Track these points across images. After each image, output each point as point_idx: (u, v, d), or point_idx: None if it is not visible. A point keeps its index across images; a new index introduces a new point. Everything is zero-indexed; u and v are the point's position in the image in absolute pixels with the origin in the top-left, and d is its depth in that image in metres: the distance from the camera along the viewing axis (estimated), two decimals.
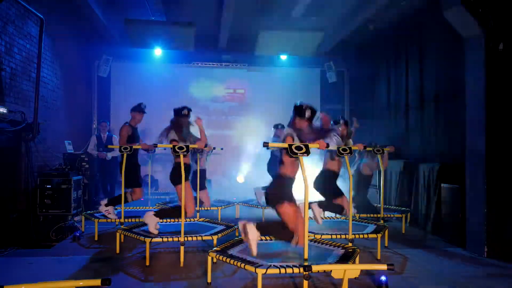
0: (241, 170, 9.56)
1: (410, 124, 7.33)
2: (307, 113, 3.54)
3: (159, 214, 4.59)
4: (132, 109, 5.57)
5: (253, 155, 9.72)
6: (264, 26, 7.65)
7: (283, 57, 9.61)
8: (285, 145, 3.21)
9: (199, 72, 9.80)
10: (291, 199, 3.53)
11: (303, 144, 3.14)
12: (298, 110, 3.57)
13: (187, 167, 4.77)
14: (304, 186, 3.09)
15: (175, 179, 4.55)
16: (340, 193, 5.08)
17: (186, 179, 4.70)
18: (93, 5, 6.74)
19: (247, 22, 7.89)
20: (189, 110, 4.75)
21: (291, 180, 3.60)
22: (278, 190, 3.53)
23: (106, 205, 5.46)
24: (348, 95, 10.23)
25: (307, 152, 3.11)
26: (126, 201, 5.42)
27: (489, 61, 4.64)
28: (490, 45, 4.62)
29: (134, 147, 5.16)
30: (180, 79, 9.70)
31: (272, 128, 6.97)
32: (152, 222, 4.48)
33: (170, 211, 4.79)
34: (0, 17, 5.28)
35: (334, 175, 5.11)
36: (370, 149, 5.29)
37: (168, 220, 5.29)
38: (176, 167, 4.51)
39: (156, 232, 4.46)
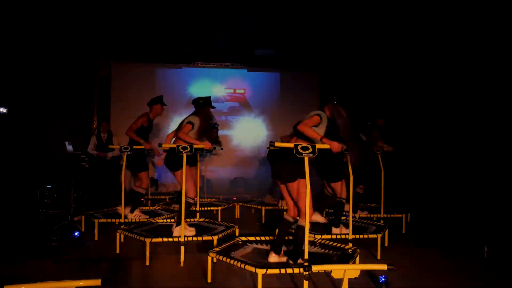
0: (240, 169, 9.55)
1: (410, 124, 7.33)
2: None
3: (179, 221, 4.57)
4: (153, 101, 5.59)
5: (253, 154, 9.73)
6: (264, 26, 7.65)
7: (283, 57, 9.60)
8: (291, 145, 3.21)
9: (199, 72, 9.79)
10: (304, 176, 3.48)
11: (310, 144, 3.13)
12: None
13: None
14: (306, 187, 3.08)
15: (172, 165, 4.63)
16: None
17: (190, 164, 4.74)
18: (93, 5, 6.74)
19: (247, 22, 7.88)
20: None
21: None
22: (294, 168, 3.49)
23: (132, 212, 5.54)
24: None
25: (313, 153, 3.11)
26: (142, 196, 5.68)
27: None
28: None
29: (135, 147, 5.16)
30: (180, 79, 9.69)
31: None
32: (184, 230, 4.49)
33: (181, 211, 4.67)
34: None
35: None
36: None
37: (170, 220, 5.28)
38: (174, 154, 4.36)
39: (192, 232, 4.54)
